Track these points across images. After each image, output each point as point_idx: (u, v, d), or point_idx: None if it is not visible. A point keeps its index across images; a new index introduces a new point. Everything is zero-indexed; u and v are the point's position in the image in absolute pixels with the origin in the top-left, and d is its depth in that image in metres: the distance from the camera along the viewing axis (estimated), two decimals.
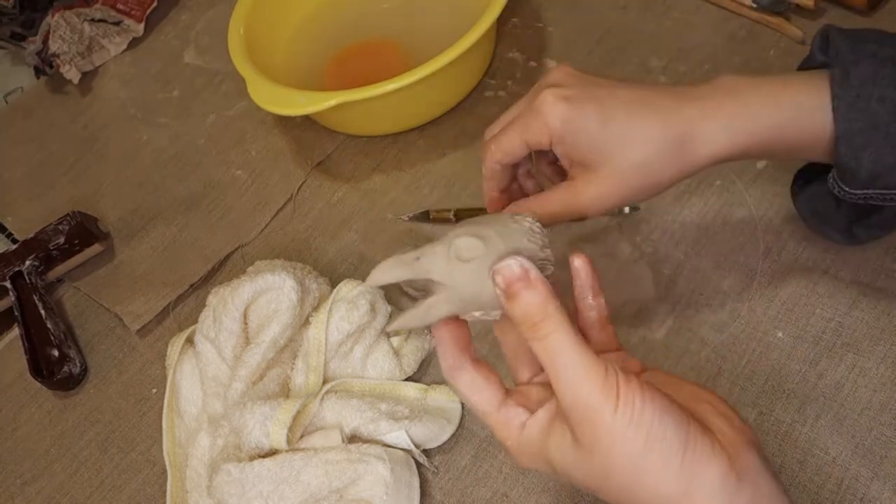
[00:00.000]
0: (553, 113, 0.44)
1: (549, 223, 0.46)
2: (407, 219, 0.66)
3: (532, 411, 0.37)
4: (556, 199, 0.46)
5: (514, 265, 0.35)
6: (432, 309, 0.37)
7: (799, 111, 0.43)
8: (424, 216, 0.66)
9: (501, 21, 0.70)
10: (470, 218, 0.40)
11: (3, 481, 0.61)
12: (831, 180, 0.44)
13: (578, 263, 0.40)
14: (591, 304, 0.41)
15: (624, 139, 0.43)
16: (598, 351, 0.37)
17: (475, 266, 0.35)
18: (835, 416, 0.49)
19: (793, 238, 0.57)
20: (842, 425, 0.49)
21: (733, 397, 0.51)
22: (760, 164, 0.61)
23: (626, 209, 0.60)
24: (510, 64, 0.74)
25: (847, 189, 0.44)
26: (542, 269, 0.36)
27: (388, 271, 0.37)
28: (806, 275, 0.55)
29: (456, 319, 0.39)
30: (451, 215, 0.64)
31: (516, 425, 0.37)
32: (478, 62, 0.72)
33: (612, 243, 0.60)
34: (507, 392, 0.39)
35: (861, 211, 0.48)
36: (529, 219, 0.39)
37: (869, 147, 0.41)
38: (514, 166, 0.50)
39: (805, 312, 0.53)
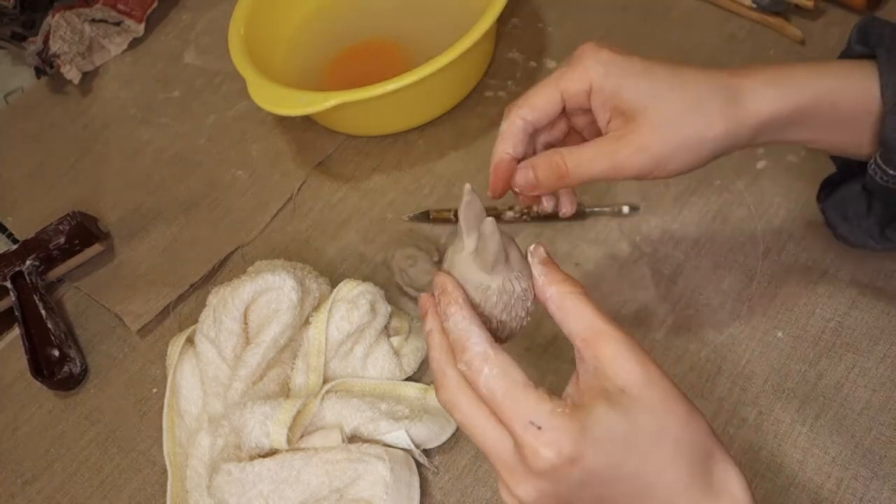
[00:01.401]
0: (596, 57, 0.42)
1: (581, 181, 0.43)
2: (407, 219, 0.66)
3: None
4: (592, 151, 0.43)
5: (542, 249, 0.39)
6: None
7: (845, 81, 0.42)
8: (424, 216, 0.66)
9: (501, 21, 0.70)
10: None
11: (3, 481, 0.61)
12: (873, 166, 0.43)
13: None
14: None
15: (671, 84, 0.42)
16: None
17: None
18: (834, 416, 0.49)
19: (792, 238, 0.57)
20: (841, 425, 0.49)
21: (733, 397, 0.51)
22: (760, 164, 0.61)
23: (626, 209, 0.60)
24: (510, 64, 0.74)
25: (892, 171, 0.42)
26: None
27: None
28: (805, 275, 0.55)
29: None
30: (451, 215, 0.64)
31: (551, 399, 0.34)
32: (478, 62, 0.72)
33: (612, 243, 0.60)
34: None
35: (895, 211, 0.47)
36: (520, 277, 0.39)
37: None
38: (534, 135, 0.46)
39: (805, 312, 0.53)
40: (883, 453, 0.47)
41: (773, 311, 0.54)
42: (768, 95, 0.42)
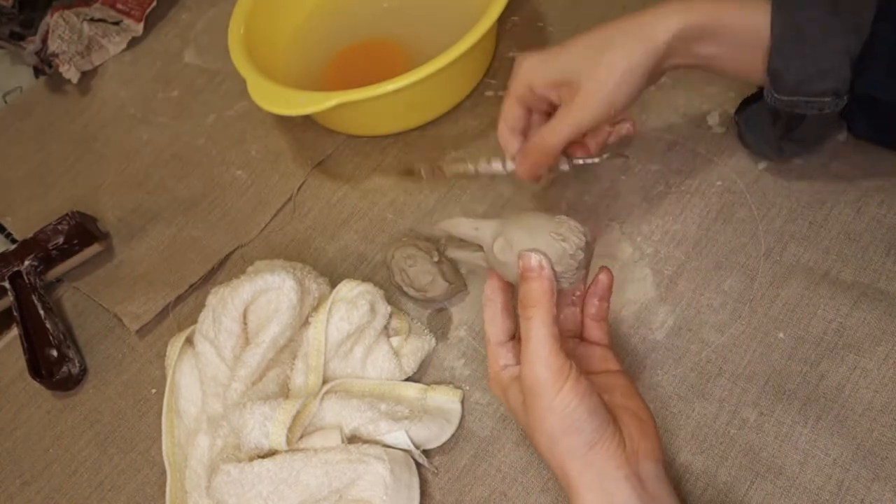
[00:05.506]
0: (523, 63, 0.53)
1: (561, 144, 0.52)
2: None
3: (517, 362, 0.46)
4: (556, 120, 0.52)
5: (534, 258, 0.43)
6: (478, 259, 0.49)
7: (741, 11, 0.48)
8: (438, 170, 0.62)
9: (501, 21, 0.69)
10: (526, 216, 0.46)
11: (2, 481, 0.61)
12: (766, 91, 0.50)
13: (602, 276, 0.49)
14: (595, 303, 0.49)
15: (585, 45, 0.50)
16: (588, 341, 0.49)
17: (506, 261, 0.46)
18: (836, 418, 0.49)
19: (794, 239, 0.57)
20: (843, 426, 0.49)
21: (734, 398, 0.51)
22: (762, 165, 0.61)
23: (605, 155, 0.57)
24: (510, 64, 0.73)
25: (777, 95, 0.49)
26: (566, 268, 0.44)
27: (456, 227, 0.48)
28: (807, 276, 0.55)
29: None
30: (468, 166, 0.59)
31: (501, 364, 0.47)
32: (478, 62, 0.72)
33: (613, 244, 0.60)
34: (511, 339, 0.48)
35: (788, 124, 0.53)
36: (578, 233, 0.45)
37: (796, 57, 0.47)
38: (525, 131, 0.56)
39: (806, 313, 0.53)
40: (884, 455, 0.47)
41: (775, 312, 0.54)
42: (670, 19, 0.49)
